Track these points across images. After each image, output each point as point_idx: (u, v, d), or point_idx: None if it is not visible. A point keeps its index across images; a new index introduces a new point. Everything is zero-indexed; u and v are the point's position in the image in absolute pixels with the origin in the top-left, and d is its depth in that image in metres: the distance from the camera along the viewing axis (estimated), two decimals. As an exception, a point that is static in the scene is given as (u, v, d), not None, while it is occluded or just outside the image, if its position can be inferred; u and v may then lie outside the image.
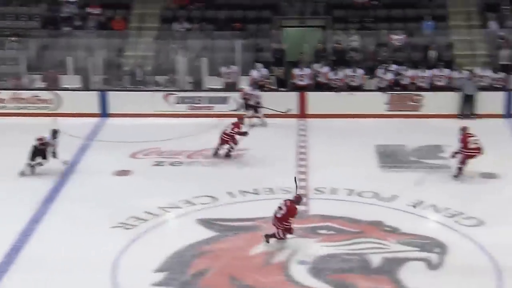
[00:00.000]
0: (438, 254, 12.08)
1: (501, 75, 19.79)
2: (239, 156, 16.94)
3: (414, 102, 19.69)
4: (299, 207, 12.43)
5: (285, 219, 12.21)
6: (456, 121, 19.03)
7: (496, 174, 15.38)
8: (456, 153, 15.20)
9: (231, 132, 16.56)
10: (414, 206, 13.87)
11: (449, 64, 20.43)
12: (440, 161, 16.47)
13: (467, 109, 19.37)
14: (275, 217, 12.31)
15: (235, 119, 17.00)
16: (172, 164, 16.70)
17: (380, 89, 20.01)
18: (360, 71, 20.27)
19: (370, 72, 20.34)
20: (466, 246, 12.37)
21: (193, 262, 11.90)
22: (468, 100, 19.34)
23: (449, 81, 19.89)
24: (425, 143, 17.49)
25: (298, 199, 12.45)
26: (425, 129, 18.61)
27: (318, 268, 11.67)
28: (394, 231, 12.93)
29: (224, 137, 16.63)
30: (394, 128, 18.84)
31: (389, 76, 20.08)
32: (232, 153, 16.77)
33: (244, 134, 16.71)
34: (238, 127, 16.70)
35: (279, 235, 12.35)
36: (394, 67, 20.26)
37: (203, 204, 14.24)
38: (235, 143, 16.68)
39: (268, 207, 13.88)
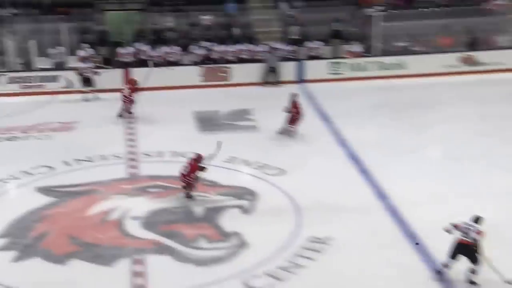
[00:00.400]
0: (250, 201, 12.49)
1: (293, 47, 20.54)
2: (72, 128, 16.36)
3: (224, 74, 19.95)
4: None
5: (188, 175, 12.23)
6: (260, 88, 19.62)
7: (293, 130, 16.03)
8: (288, 114, 15.49)
9: (129, 94, 16.74)
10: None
11: (250, 39, 20.90)
12: (248, 123, 16.91)
13: (272, 77, 19.94)
14: (182, 174, 12.30)
15: (129, 81, 17.20)
16: (8, 139, 15.74)
17: (194, 63, 20.07)
18: (176, 48, 20.21)
19: (185, 48, 20.32)
20: (273, 192, 12.85)
21: (34, 226, 11.43)
22: (271, 71, 19.91)
23: (252, 54, 20.38)
24: (235, 108, 17.84)
25: (199, 158, 12.42)
26: (234, 96, 18.94)
27: (150, 222, 11.65)
28: (213, 184, 13.14)
29: (124, 99, 16.72)
30: (208, 96, 18.99)
31: (201, 52, 20.21)
32: (131, 112, 16.91)
33: (139, 90, 16.84)
34: (132, 88, 16.80)
35: (187, 190, 12.40)
36: (205, 43, 20.41)
37: (41, 174, 13.60)
38: (133, 102, 16.79)
39: (102, 172, 13.64)
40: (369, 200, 12.51)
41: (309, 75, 20.01)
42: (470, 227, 9.73)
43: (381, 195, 12.64)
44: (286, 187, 12.93)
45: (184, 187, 12.48)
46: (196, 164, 12.38)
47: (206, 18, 21.38)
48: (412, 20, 21.10)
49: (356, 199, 12.55)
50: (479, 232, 9.63)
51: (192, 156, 12.52)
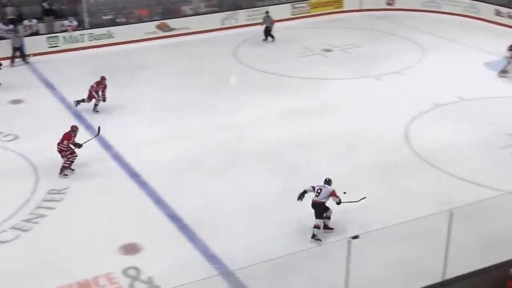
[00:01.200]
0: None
1: (11, 26, 18.71)
2: None
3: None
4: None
5: (61, 143, 11.23)
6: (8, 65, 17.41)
7: (22, 100, 14.96)
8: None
9: None
10: None
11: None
12: None
13: (20, 56, 17.81)
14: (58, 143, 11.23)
15: None
16: None
17: None
18: None
19: None
20: (9, 156, 12.04)
21: None
22: (16, 50, 17.76)
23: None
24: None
25: (72, 128, 11.45)
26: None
27: None
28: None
29: None
30: None
31: None
32: None
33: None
34: None
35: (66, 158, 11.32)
36: None
37: None
38: None
39: None
40: (97, 151, 12.40)
41: (29, 50, 18.36)
42: (322, 189, 9.12)
43: (106, 146, 12.63)
44: (21, 150, 12.21)
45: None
46: (69, 133, 11.27)
47: None
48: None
49: (87, 151, 12.28)
50: (332, 194, 9.09)
51: None
